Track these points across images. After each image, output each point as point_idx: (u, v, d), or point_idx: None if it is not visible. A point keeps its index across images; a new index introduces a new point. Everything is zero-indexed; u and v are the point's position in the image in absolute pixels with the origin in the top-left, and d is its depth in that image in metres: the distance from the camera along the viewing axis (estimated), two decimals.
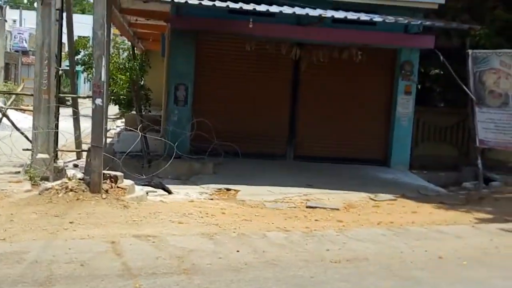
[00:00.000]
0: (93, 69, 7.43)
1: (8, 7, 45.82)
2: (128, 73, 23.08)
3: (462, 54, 10.90)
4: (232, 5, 9.37)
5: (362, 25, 10.78)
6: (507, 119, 10.42)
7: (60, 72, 9.38)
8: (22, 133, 10.10)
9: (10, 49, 34.52)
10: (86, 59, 28.43)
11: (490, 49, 10.89)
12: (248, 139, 11.63)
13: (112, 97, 22.36)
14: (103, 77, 7.30)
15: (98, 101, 7.31)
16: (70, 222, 6.30)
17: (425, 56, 11.82)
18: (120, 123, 25.27)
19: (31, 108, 10.18)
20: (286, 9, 9.88)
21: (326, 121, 11.94)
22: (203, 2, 9.22)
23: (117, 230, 6.10)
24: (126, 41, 38.49)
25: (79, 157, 12.98)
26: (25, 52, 35.29)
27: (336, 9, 10.54)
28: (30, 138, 9.32)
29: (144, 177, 9.05)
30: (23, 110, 20.09)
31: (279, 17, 10.58)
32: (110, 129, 23.39)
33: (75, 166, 11.55)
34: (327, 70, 11.70)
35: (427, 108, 12.81)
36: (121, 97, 22.46)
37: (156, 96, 21.96)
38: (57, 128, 9.51)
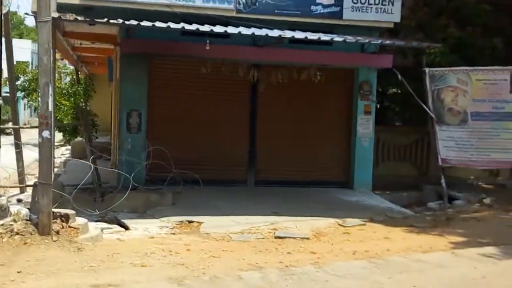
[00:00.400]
0: (39, 99, 6.75)
1: None
2: (72, 99, 22.14)
3: (418, 72, 10.86)
4: (187, 26, 8.90)
5: (318, 45, 10.57)
6: (467, 136, 10.41)
7: (0, 101, 8.59)
8: None
9: None
10: (26, 85, 27.16)
11: (445, 67, 10.91)
12: (207, 166, 11.13)
13: (57, 126, 21.32)
14: (51, 107, 6.63)
15: (46, 133, 6.61)
16: (18, 272, 5.57)
17: (382, 75, 11.72)
18: (65, 150, 24.09)
19: None
20: (244, 30, 9.51)
21: (286, 144, 11.58)
22: (156, 24, 8.70)
23: (72, 280, 5.42)
24: (68, 65, 37.26)
25: (22, 190, 12.09)
26: None
27: (292, 29, 10.25)
28: None
29: (98, 212, 8.36)
30: None
31: (235, 38, 10.21)
32: (54, 158, 22.24)
33: (19, 201, 10.66)
34: (285, 92, 11.38)
35: (387, 127, 12.72)
36: (65, 123, 21.42)
37: (102, 121, 21.09)
38: None
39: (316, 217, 8.90)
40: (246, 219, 8.64)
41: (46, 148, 6.65)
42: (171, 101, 11.07)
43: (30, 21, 61.49)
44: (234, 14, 10.31)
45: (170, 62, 10.93)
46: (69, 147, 23.45)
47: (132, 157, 10.26)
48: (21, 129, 12.06)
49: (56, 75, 29.02)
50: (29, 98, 27.18)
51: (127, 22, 8.66)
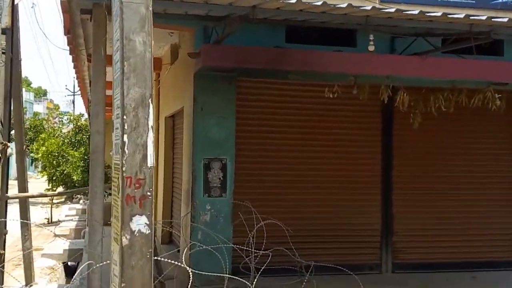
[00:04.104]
0: (114, 139, 2.86)
1: None
2: (83, 148, 18.15)
3: None
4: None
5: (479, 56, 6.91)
6: None
7: (10, 151, 4.66)
8: None
9: None
10: None
11: None
12: (323, 244, 7.21)
13: (64, 180, 17.12)
14: (151, 159, 2.71)
15: (139, 223, 2.67)
16: None
17: None
18: (69, 210, 19.81)
19: None
20: None
21: (436, 207, 7.67)
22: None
23: None
24: (66, 111, 33.75)
25: (28, 278, 8.32)
26: None
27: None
28: None
29: None
30: None
31: (362, 45, 6.63)
32: (59, 222, 17.97)
33: None
34: (436, 127, 7.57)
35: None
36: (75, 179, 17.32)
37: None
38: (4, 262, 4.71)
39: None
40: None
41: (139, 266, 2.66)
42: (271, 144, 7.20)
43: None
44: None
45: (268, 85, 7.11)
46: (76, 206, 19.29)
47: (213, 233, 6.27)
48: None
49: (58, 121, 25.18)
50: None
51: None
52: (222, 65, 6.24)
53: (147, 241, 2.67)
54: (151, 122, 2.75)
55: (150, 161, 2.72)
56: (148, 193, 2.70)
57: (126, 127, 2.69)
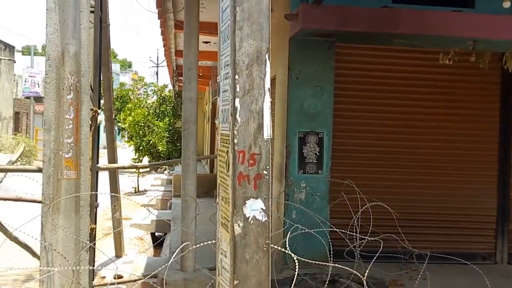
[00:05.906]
0: (221, 104, 2.36)
1: (20, 53, 41.84)
2: (167, 119, 18.13)
3: None
4: None
5: None
6: None
7: (100, 119, 4.35)
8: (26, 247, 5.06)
9: (20, 95, 30.01)
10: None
11: None
12: (430, 229, 6.55)
13: (150, 150, 17.26)
14: (268, 131, 2.20)
15: (254, 209, 2.18)
16: None
17: None
18: (154, 180, 20.14)
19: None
20: None
21: None
22: None
23: None
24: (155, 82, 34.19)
25: (118, 248, 8.28)
26: (38, 99, 30.64)
27: None
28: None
29: None
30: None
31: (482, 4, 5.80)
32: (145, 191, 18.32)
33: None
34: None
35: None
36: (160, 149, 17.36)
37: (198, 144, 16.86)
38: (95, 240, 4.45)
39: None
40: None
41: (254, 261, 2.17)
42: (372, 118, 6.52)
43: None
44: None
45: (370, 51, 6.41)
46: (161, 176, 19.56)
47: (308, 213, 5.73)
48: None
49: (142, 92, 25.56)
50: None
51: None
52: (323, 27, 5.61)
53: (264, 230, 2.17)
54: (268, 84, 2.22)
55: (267, 132, 2.20)
56: (265, 172, 2.19)
57: (238, 89, 2.17)
